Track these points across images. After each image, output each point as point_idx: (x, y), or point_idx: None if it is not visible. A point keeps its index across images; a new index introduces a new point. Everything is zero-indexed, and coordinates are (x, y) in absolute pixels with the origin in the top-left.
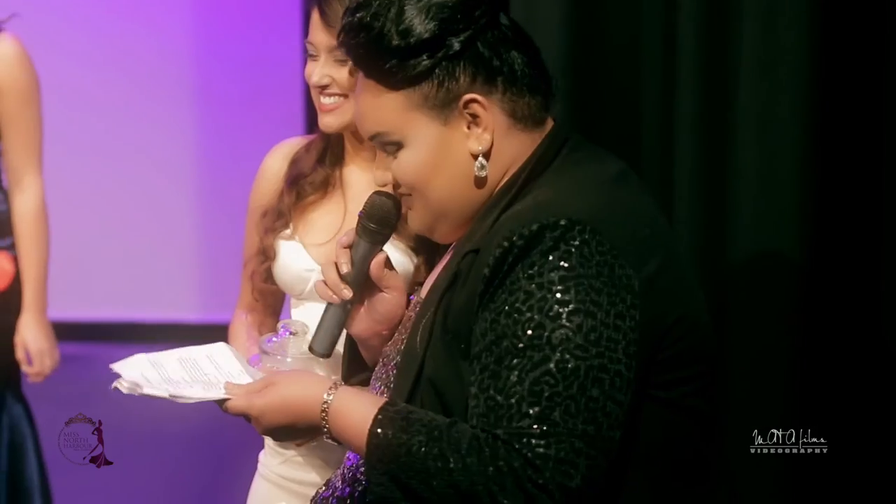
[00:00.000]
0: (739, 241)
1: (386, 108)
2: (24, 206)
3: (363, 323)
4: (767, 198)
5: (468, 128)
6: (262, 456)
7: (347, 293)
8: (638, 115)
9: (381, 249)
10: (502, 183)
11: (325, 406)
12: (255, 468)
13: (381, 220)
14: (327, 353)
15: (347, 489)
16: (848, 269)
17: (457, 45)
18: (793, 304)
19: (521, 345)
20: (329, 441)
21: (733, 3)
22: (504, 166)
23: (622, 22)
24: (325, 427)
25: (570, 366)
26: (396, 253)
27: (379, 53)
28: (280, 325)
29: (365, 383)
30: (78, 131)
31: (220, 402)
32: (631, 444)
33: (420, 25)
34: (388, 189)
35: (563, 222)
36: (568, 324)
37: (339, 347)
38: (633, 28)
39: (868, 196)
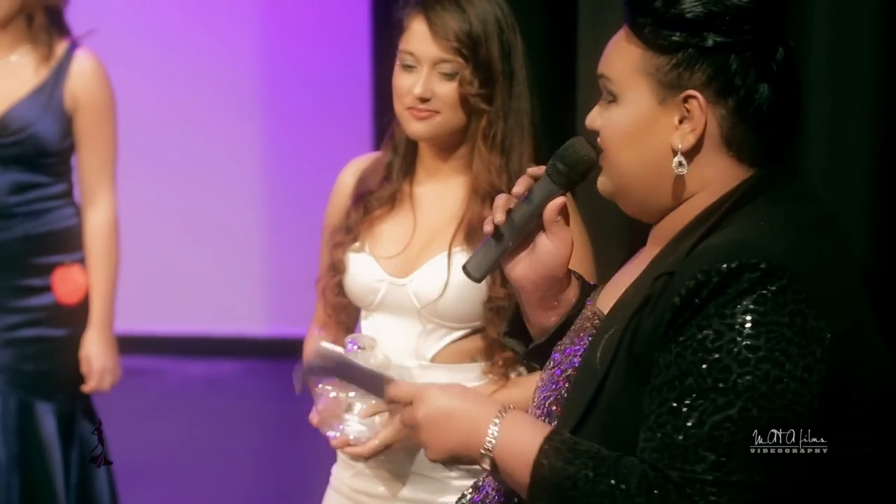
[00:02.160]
0: None
1: (622, 55)
2: (95, 222)
3: (519, 265)
4: (837, 212)
5: (679, 121)
6: (334, 469)
7: (500, 216)
8: None
9: (563, 195)
10: (702, 207)
11: (494, 428)
12: (325, 481)
13: (574, 163)
14: (478, 277)
15: (502, 499)
16: None
17: (710, 42)
18: None
19: (705, 386)
20: (485, 468)
21: (803, 17)
22: (700, 182)
23: None
24: (488, 450)
25: (752, 414)
26: None
27: (641, 4)
28: (348, 339)
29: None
30: (147, 146)
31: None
32: (806, 499)
33: (691, 2)
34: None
35: (763, 265)
36: (755, 371)
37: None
38: None
39: None
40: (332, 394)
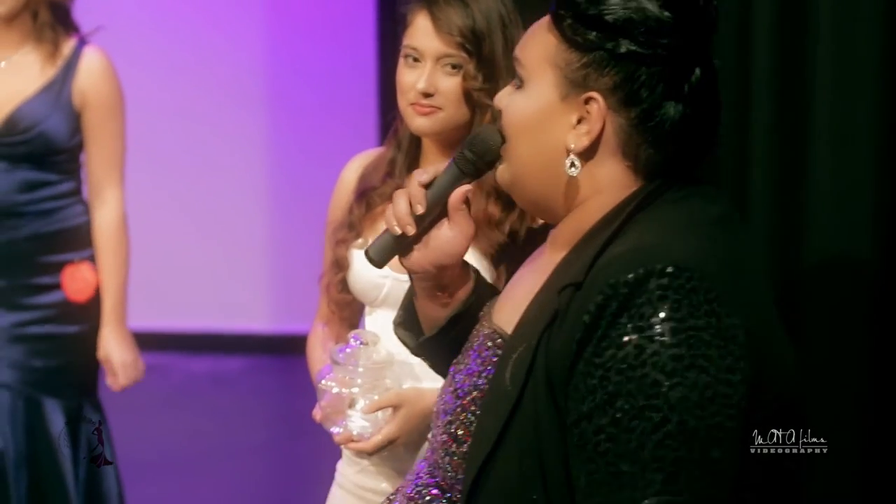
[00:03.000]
0: (814, 253)
1: (538, 42)
2: (104, 219)
3: (415, 251)
4: (843, 212)
5: (577, 122)
6: (339, 465)
7: (410, 230)
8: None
9: (469, 183)
10: (598, 212)
11: None
12: (330, 477)
13: (482, 152)
14: (379, 263)
15: None
16: None
17: (623, 49)
18: (866, 313)
19: (637, 405)
20: None
21: (809, 18)
22: (594, 187)
23: None
24: None
25: (690, 426)
26: (473, 259)
27: None
28: (351, 335)
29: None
30: (153, 143)
31: None
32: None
33: (613, 5)
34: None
35: (669, 269)
36: (684, 381)
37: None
38: None
39: None
40: (335, 390)
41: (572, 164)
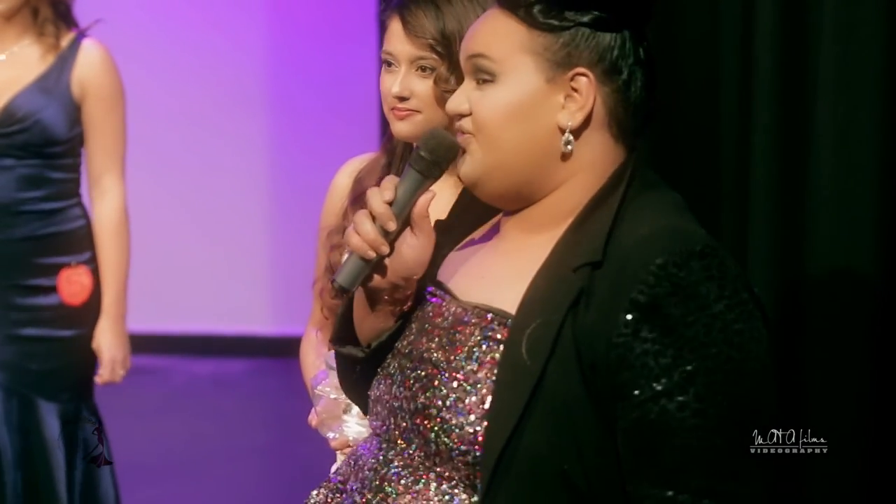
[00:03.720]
0: (816, 255)
1: (503, 35)
2: (104, 211)
3: (389, 269)
4: (845, 214)
5: (564, 99)
6: (333, 469)
7: (385, 249)
8: (716, 132)
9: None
10: (582, 190)
11: None
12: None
13: (443, 150)
14: (351, 291)
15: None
16: None
17: (597, 20)
18: (868, 320)
19: (719, 380)
20: None
21: (811, 19)
22: (580, 162)
23: (699, 39)
24: None
25: (762, 397)
26: None
27: None
28: None
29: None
30: (154, 144)
31: None
32: None
33: None
34: (455, 122)
35: (706, 249)
36: (749, 354)
37: None
38: (710, 46)
39: None
40: (332, 395)
41: (568, 142)
